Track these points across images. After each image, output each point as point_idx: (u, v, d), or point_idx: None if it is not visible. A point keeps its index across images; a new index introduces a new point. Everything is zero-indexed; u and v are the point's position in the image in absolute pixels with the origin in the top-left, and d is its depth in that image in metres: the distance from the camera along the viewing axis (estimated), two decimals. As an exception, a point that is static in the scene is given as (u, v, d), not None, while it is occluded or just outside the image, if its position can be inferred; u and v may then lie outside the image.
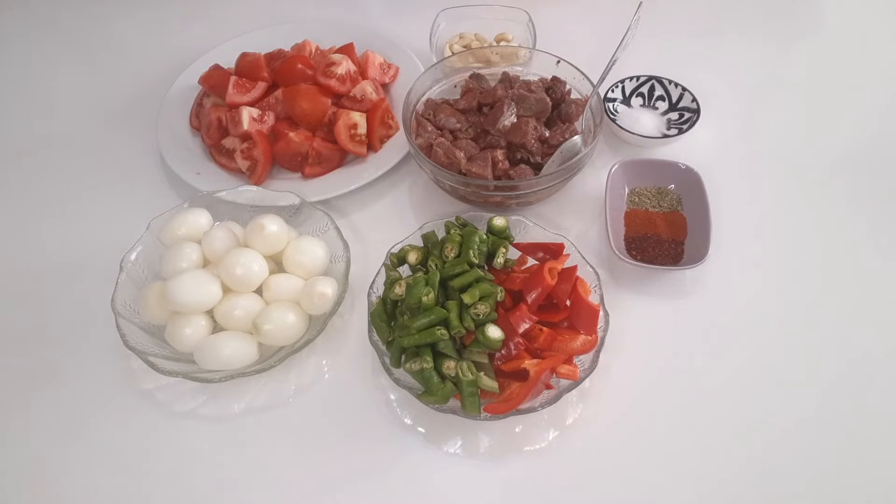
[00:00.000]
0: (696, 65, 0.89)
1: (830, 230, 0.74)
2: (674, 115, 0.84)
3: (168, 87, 0.89)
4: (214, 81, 0.86)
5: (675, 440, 0.60)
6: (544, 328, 0.59)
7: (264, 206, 0.72)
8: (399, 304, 0.61)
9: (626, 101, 0.86)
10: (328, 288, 0.63)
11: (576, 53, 0.79)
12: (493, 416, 0.56)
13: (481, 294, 0.58)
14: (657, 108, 0.86)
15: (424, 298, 0.57)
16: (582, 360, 0.60)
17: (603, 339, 0.59)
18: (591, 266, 0.64)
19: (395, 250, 0.65)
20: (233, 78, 0.84)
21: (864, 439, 0.59)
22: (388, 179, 0.80)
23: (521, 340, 0.57)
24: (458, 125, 0.76)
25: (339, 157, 0.81)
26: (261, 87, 0.85)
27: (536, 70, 0.81)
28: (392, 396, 0.63)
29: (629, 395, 0.62)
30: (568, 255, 0.64)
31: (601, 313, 0.61)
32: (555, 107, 0.78)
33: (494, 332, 0.57)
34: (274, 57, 0.88)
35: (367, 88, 0.84)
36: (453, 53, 0.89)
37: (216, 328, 0.64)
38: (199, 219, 0.69)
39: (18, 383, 0.66)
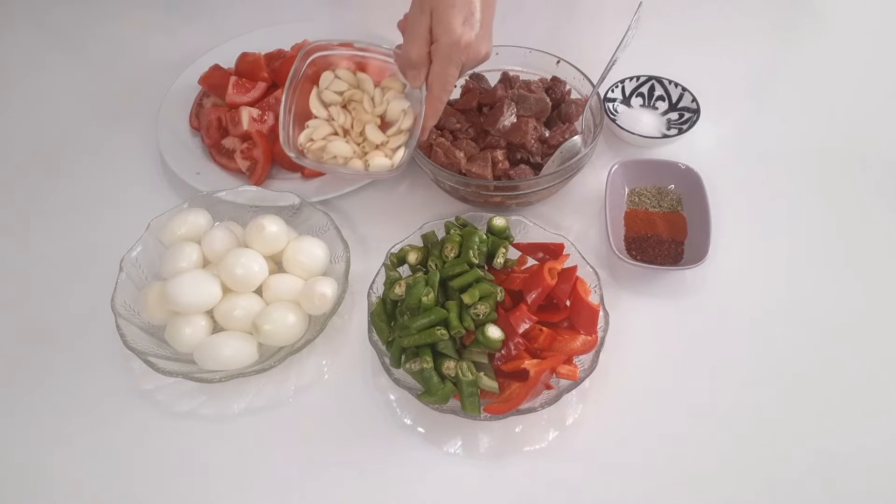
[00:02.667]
0: (696, 64, 0.89)
1: (831, 229, 0.74)
2: (674, 115, 0.84)
3: (168, 87, 0.89)
4: (214, 81, 0.86)
5: (674, 440, 0.60)
6: (544, 328, 0.59)
7: (264, 206, 0.72)
8: (399, 304, 0.61)
9: (626, 101, 0.86)
10: (328, 288, 0.63)
11: (576, 53, 0.79)
12: (493, 417, 0.56)
13: (481, 294, 0.58)
14: (657, 108, 0.85)
15: (424, 298, 0.57)
16: (582, 361, 0.60)
17: (603, 339, 0.59)
18: (591, 266, 0.64)
19: (395, 250, 0.65)
20: (233, 78, 0.84)
21: (866, 440, 0.59)
22: (388, 179, 0.80)
23: (521, 340, 0.57)
24: (458, 125, 0.76)
25: (339, 157, 0.81)
26: (261, 87, 0.85)
27: (536, 70, 0.81)
28: (392, 396, 0.63)
29: (629, 395, 0.62)
30: (568, 255, 0.64)
31: (601, 313, 0.61)
32: (555, 107, 0.78)
33: (494, 332, 0.57)
34: (274, 57, 0.88)
35: (367, 88, 0.84)
36: (324, 105, 0.71)
37: (216, 328, 0.64)
38: (199, 219, 0.69)
39: (17, 383, 0.66)
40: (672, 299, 0.69)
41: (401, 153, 0.68)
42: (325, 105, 0.72)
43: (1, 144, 0.90)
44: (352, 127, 0.70)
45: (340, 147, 0.68)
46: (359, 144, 0.70)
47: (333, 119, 0.70)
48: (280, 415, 0.62)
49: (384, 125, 0.71)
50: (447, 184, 0.72)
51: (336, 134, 0.70)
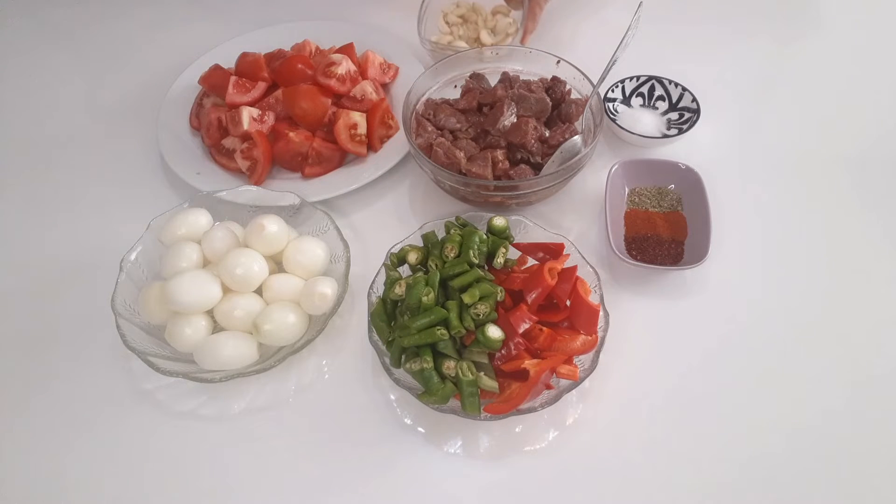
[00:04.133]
0: (696, 65, 0.89)
1: (832, 229, 0.74)
2: (674, 115, 0.84)
3: (168, 87, 0.89)
4: (214, 81, 0.86)
5: (674, 441, 0.60)
6: (544, 328, 0.59)
7: (264, 206, 0.72)
8: (399, 304, 0.61)
9: (626, 101, 0.86)
10: (328, 288, 0.63)
11: (576, 53, 0.79)
12: (493, 417, 0.56)
13: (481, 294, 0.58)
14: (657, 108, 0.85)
15: (424, 298, 0.57)
16: (582, 361, 0.60)
17: (603, 339, 0.59)
18: (591, 266, 0.64)
19: (395, 250, 0.65)
20: (233, 78, 0.84)
21: (866, 442, 0.59)
22: (388, 179, 0.80)
23: (521, 340, 0.57)
24: (458, 125, 0.76)
25: (339, 157, 0.81)
26: (261, 87, 0.85)
27: (536, 70, 0.81)
28: (392, 396, 0.63)
29: (629, 395, 0.62)
30: (568, 255, 0.64)
31: (601, 313, 0.61)
32: (555, 107, 0.78)
33: (494, 332, 0.57)
34: (274, 57, 0.88)
35: (367, 88, 0.84)
36: (448, 24, 0.96)
37: (216, 328, 0.64)
38: (199, 219, 0.69)
39: (18, 384, 0.66)
40: (672, 299, 0.69)
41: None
42: (449, 25, 0.96)
43: (1, 144, 0.90)
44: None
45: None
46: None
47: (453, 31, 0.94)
48: (280, 415, 0.62)
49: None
50: (447, 184, 0.72)
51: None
